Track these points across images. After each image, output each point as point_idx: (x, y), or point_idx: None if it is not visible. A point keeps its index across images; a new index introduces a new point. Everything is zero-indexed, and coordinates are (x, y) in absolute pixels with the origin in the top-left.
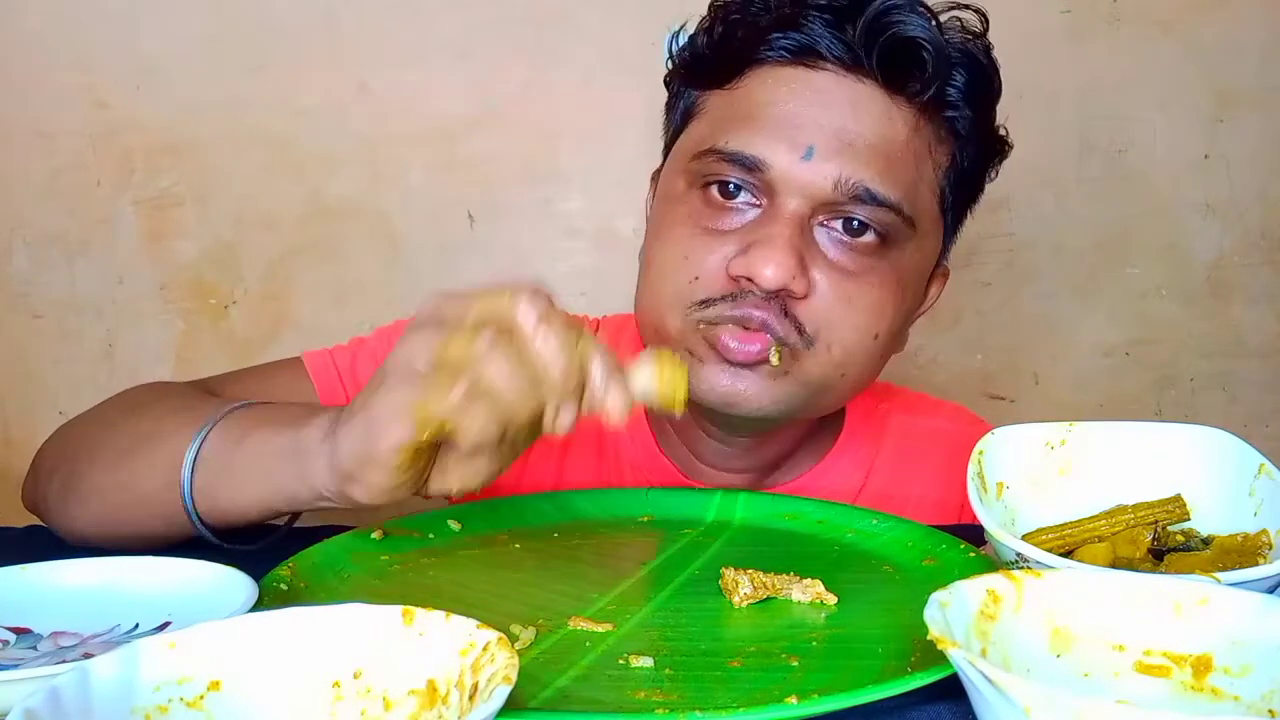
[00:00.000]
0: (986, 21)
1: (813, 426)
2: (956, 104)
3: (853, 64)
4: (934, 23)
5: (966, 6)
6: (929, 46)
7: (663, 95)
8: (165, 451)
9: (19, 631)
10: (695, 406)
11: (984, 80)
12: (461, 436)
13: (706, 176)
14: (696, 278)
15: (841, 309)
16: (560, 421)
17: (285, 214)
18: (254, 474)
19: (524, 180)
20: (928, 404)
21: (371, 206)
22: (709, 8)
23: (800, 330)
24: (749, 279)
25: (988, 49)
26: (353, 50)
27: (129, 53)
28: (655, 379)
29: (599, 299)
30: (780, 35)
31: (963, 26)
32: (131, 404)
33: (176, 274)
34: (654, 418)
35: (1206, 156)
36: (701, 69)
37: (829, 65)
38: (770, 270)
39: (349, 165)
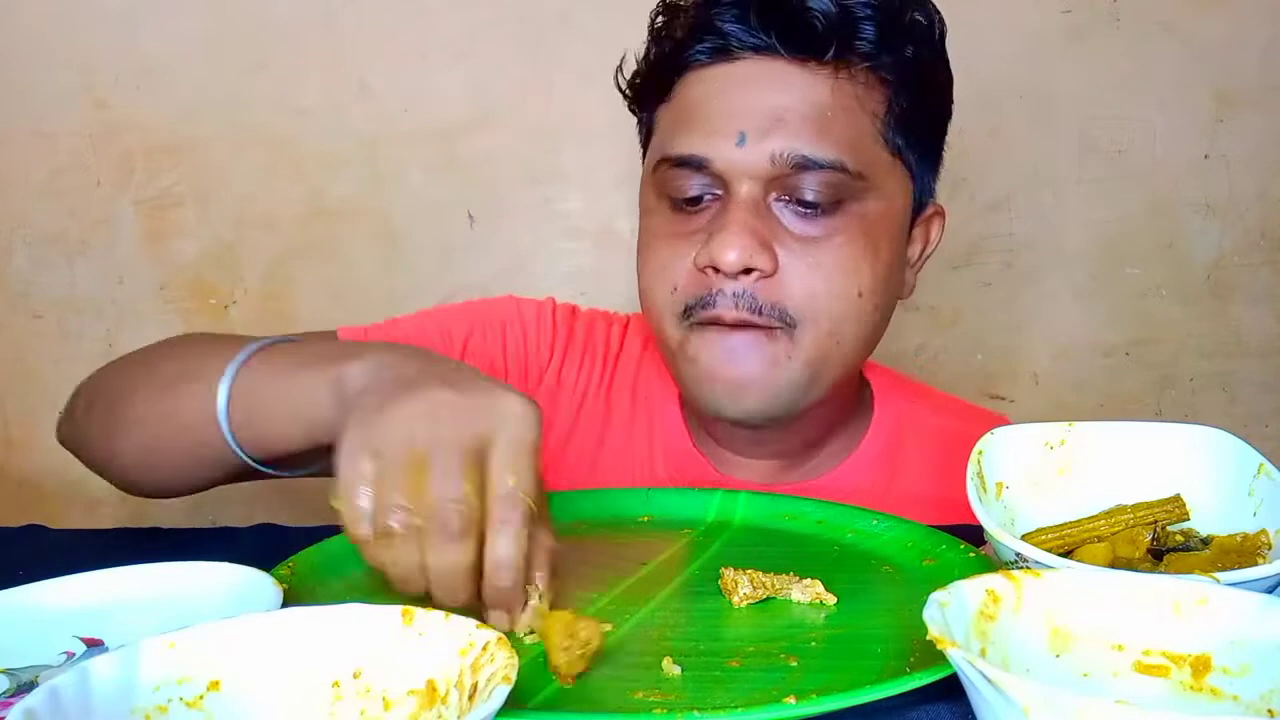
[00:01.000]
0: None
1: (842, 411)
2: (869, 54)
3: (761, 48)
4: None
5: None
6: (819, 14)
7: None
8: (206, 382)
9: (91, 643)
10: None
11: (895, 24)
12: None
13: (669, 188)
14: (675, 287)
15: (814, 278)
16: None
17: (285, 214)
18: (296, 408)
19: (524, 180)
20: (958, 407)
21: (371, 206)
22: (646, 36)
23: (783, 314)
24: (714, 268)
25: None
26: (353, 50)
27: (129, 53)
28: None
29: (599, 299)
30: (695, 40)
31: None
32: (172, 344)
33: (176, 274)
34: (689, 411)
35: (1206, 156)
36: (645, 90)
37: (744, 54)
38: (731, 254)
39: (349, 165)
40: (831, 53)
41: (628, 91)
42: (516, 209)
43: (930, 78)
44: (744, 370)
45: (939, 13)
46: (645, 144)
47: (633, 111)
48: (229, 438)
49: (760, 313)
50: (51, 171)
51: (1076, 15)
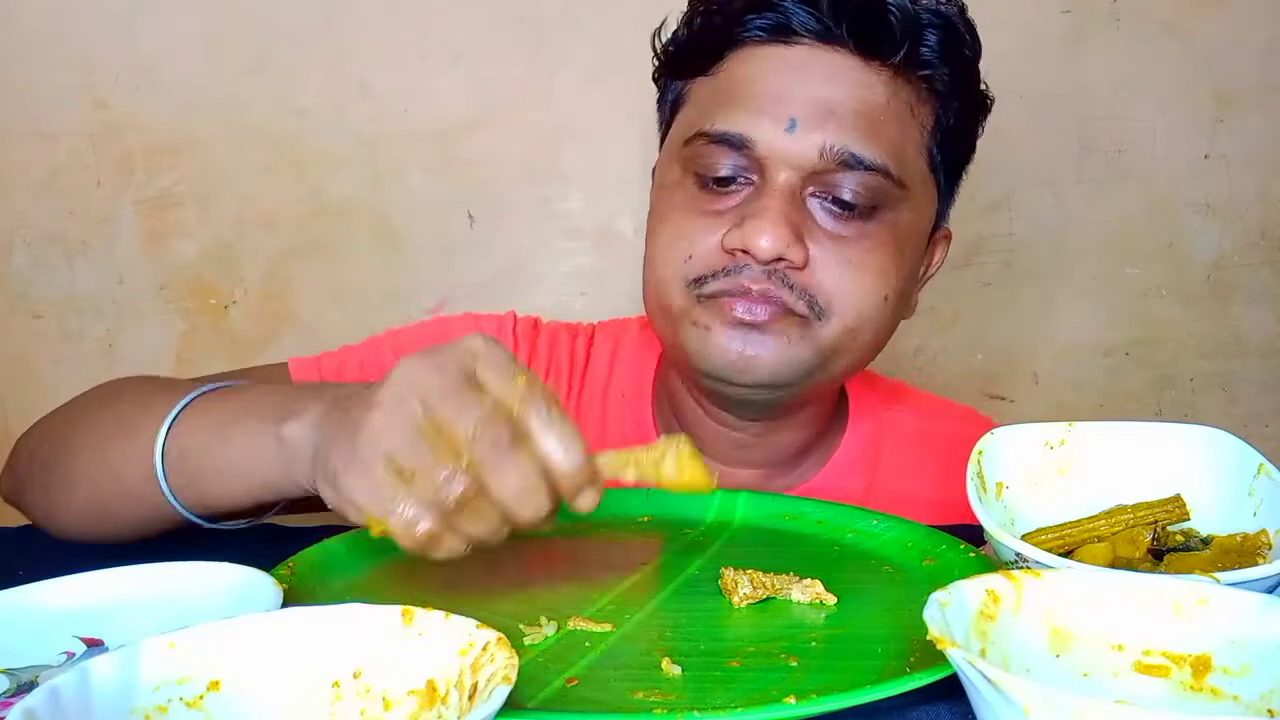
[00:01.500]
0: None
1: (822, 420)
2: (931, 63)
3: (825, 36)
4: None
5: None
6: (895, 10)
7: None
8: (144, 439)
9: (91, 643)
10: (704, 387)
11: (957, 38)
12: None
13: (699, 164)
14: (690, 256)
15: (846, 275)
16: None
17: (285, 214)
18: (240, 466)
19: (524, 180)
20: (936, 405)
21: (371, 206)
22: (689, 2)
23: (811, 302)
24: (744, 251)
25: (962, 9)
26: (353, 50)
27: (129, 53)
28: (675, 471)
29: (599, 299)
30: (755, 16)
31: None
32: (113, 392)
33: (176, 274)
34: (662, 419)
35: (1206, 156)
36: (684, 59)
37: (804, 39)
38: (765, 241)
39: (349, 165)
40: (903, 54)
41: (662, 58)
42: (516, 209)
43: (974, 100)
44: (760, 345)
45: (976, 31)
46: (669, 118)
47: (656, 81)
48: (171, 498)
49: (790, 288)
50: (51, 171)
51: (1076, 15)
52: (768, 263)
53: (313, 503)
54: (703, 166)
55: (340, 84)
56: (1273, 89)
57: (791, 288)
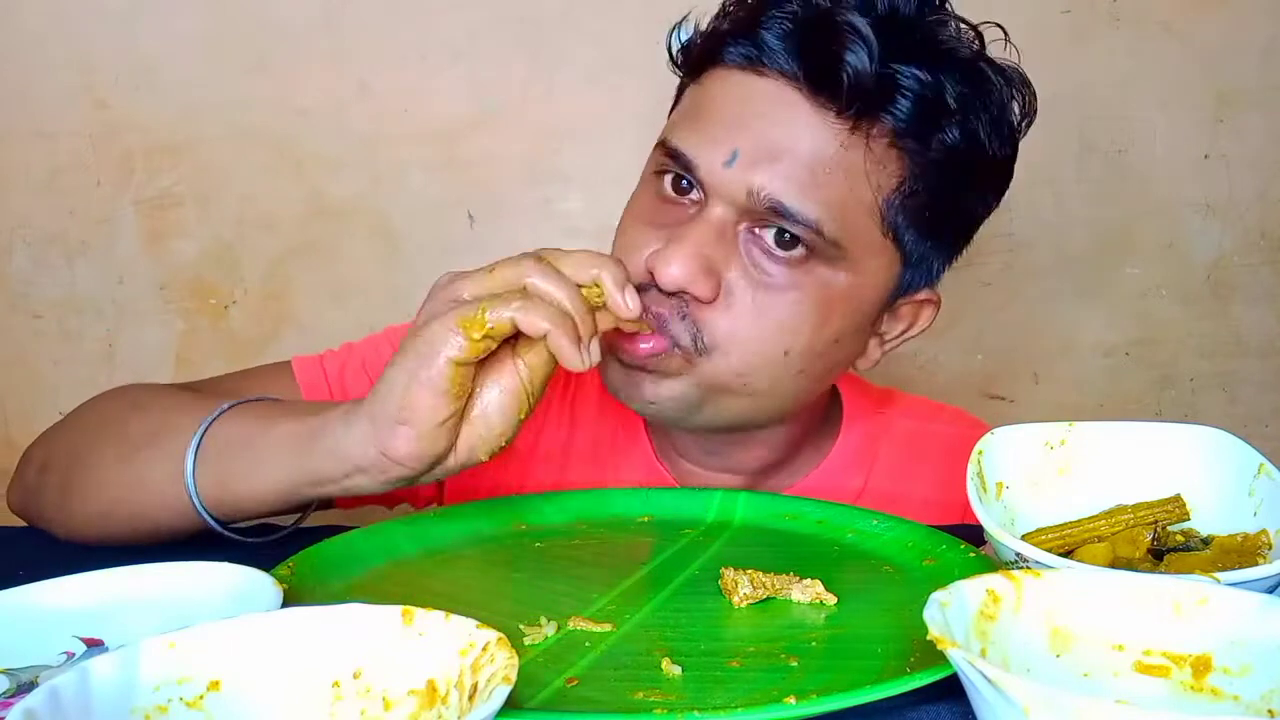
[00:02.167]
0: (982, 43)
1: (803, 434)
2: (898, 131)
3: (789, 74)
4: (893, 42)
5: (971, 26)
6: (851, 69)
7: (663, 95)
8: (178, 445)
9: (91, 643)
10: None
11: (942, 112)
12: (520, 325)
13: (661, 169)
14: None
15: (748, 320)
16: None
17: (285, 214)
18: (279, 457)
19: (524, 180)
20: (928, 408)
21: (371, 206)
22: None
23: (695, 338)
24: (652, 275)
25: (978, 75)
26: (353, 50)
27: (129, 53)
28: None
29: None
30: (734, 40)
31: (940, 49)
32: (131, 402)
33: (176, 274)
34: (652, 427)
35: (1206, 156)
36: (685, 58)
37: (770, 74)
38: (673, 269)
39: (349, 165)
40: (852, 111)
41: (678, 53)
42: (516, 209)
43: (970, 170)
44: (635, 381)
45: (1028, 101)
46: (672, 107)
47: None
48: (202, 512)
49: (683, 318)
50: (51, 171)
51: (1076, 15)
52: (670, 293)
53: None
54: (665, 174)
55: (340, 84)
56: (1273, 89)
57: (684, 318)
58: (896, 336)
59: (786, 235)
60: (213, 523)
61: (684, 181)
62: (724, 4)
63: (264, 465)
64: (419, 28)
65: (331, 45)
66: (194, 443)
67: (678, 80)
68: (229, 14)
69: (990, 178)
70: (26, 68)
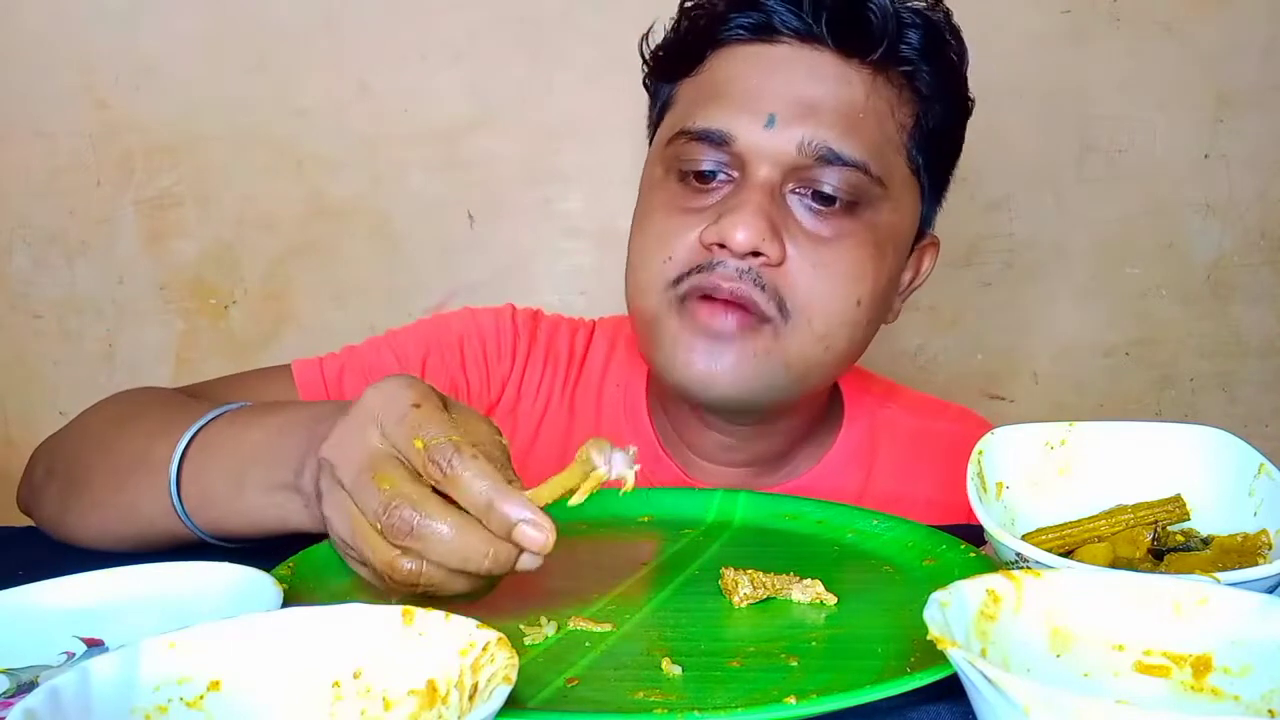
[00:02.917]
0: None
1: (812, 422)
2: (912, 61)
3: (806, 34)
4: None
5: None
6: (875, 9)
7: None
8: (159, 478)
9: (91, 643)
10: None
11: (939, 39)
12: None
13: (681, 161)
14: (670, 257)
15: (819, 276)
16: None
17: (285, 214)
18: (265, 519)
19: (524, 180)
20: (931, 405)
21: (371, 206)
22: (677, 9)
23: (780, 304)
24: (721, 244)
25: (947, 14)
26: (353, 50)
27: (129, 53)
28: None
29: (599, 299)
30: (737, 14)
31: None
32: (121, 417)
33: (176, 274)
34: (656, 415)
35: (1206, 156)
36: (670, 62)
37: (785, 38)
38: (741, 234)
39: (349, 165)
40: (879, 53)
41: (650, 62)
42: (516, 209)
43: (958, 102)
44: (722, 360)
45: (961, 35)
46: (657, 121)
47: (646, 87)
48: (194, 528)
49: (762, 289)
50: (51, 171)
51: (1076, 15)
52: (743, 257)
53: None
54: (684, 163)
55: (340, 84)
56: (1273, 89)
57: (764, 288)
58: (908, 286)
59: (826, 190)
60: (213, 540)
61: (708, 167)
62: (681, 8)
63: (252, 521)
64: (419, 28)
65: (331, 45)
66: (172, 486)
67: (652, 92)
68: (229, 14)
69: (965, 108)
70: (26, 68)
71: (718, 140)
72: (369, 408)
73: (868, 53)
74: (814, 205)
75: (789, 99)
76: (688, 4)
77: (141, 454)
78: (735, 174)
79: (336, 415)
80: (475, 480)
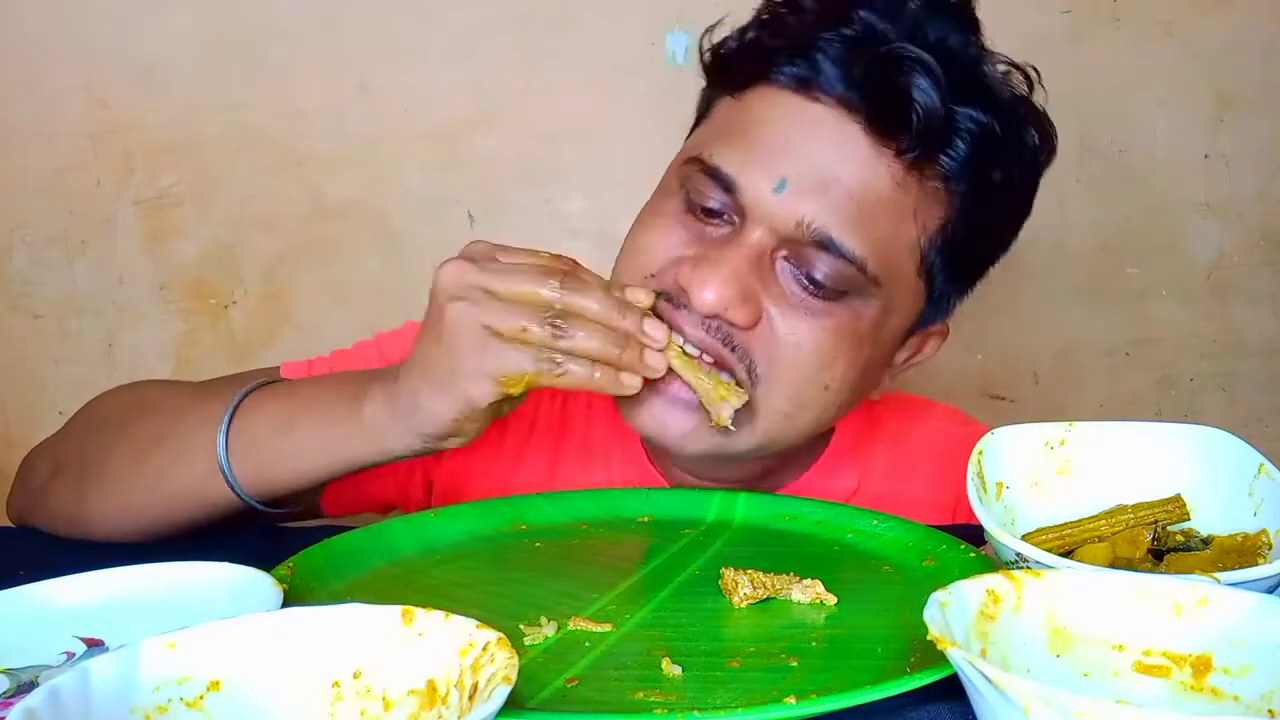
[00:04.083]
0: (1031, 84)
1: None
2: (952, 173)
3: (847, 103)
4: (952, 82)
5: (1017, 67)
6: (921, 108)
7: (663, 95)
8: (191, 445)
9: (91, 643)
10: None
11: (993, 152)
12: (563, 386)
13: (691, 186)
14: (651, 275)
15: (790, 349)
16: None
17: (285, 214)
18: (318, 453)
19: (524, 180)
20: (920, 406)
21: (371, 206)
22: (759, 8)
23: (750, 367)
24: (686, 294)
25: (1019, 118)
26: (353, 50)
27: (129, 53)
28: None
29: None
30: (786, 60)
31: (990, 90)
32: (135, 402)
33: (176, 274)
34: None
35: (1206, 156)
36: (720, 71)
37: (825, 99)
38: (709, 294)
39: (349, 165)
40: (918, 153)
41: (708, 58)
42: (517, 209)
43: (1003, 208)
44: (681, 419)
45: (1051, 141)
46: (698, 119)
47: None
48: (230, 482)
49: (734, 349)
50: (51, 171)
51: (1076, 15)
52: (705, 316)
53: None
54: (693, 192)
55: (340, 84)
56: (1273, 89)
57: (734, 348)
58: (903, 364)
59: (818, 272)
60: (246, 498)
61: (714, 205)
62: (763, 11)
63: (304, 458)
64: (419, 28)
65: (331, 45)
66: (220, 441)
67: (703, 87)
68: (229, 14)
69: (1019, 218)
70: (26, 68)
71: (725, 184)
72: (457, 261)
73: (903, 150)
74: (802, 280)
75: (807, 167)
76: (764, 6)
77: (169, 426)
78: (737, 220)
79: (407, 341)
80: (598, 278)
